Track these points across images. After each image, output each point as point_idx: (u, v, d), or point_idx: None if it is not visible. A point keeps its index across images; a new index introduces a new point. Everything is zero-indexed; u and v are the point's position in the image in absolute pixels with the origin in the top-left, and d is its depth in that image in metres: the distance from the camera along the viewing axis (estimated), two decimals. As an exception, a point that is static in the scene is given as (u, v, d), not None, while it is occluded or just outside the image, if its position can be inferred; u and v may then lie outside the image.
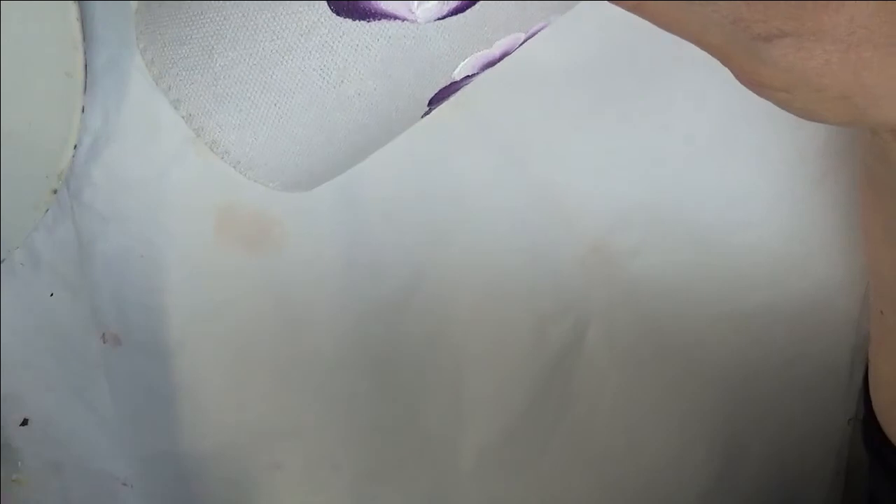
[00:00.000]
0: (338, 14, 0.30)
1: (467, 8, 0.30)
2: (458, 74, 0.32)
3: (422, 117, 0.34)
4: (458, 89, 0.33)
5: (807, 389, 0.45)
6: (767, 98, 0.28)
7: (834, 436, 0.46)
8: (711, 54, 0.27)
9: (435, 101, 0.33)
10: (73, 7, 0.39)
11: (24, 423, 0.45)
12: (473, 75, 0.33)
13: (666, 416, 0.45)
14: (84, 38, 0.39)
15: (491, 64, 0.33)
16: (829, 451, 0.46)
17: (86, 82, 0.39)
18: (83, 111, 0.40)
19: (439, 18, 0.30)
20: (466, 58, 0.32)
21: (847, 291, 0.43)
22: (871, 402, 0.39)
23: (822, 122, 0.28)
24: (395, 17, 0.30)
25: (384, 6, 0.29)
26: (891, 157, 0.31)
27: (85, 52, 0.39)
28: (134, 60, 0.40)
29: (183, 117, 0.32)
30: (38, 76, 0.39)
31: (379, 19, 0.30)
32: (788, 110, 0.28)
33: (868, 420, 0.40)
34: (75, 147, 0.40)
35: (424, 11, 0.29)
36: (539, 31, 0.34)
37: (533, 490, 0.47)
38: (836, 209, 0.42)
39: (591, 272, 0.43)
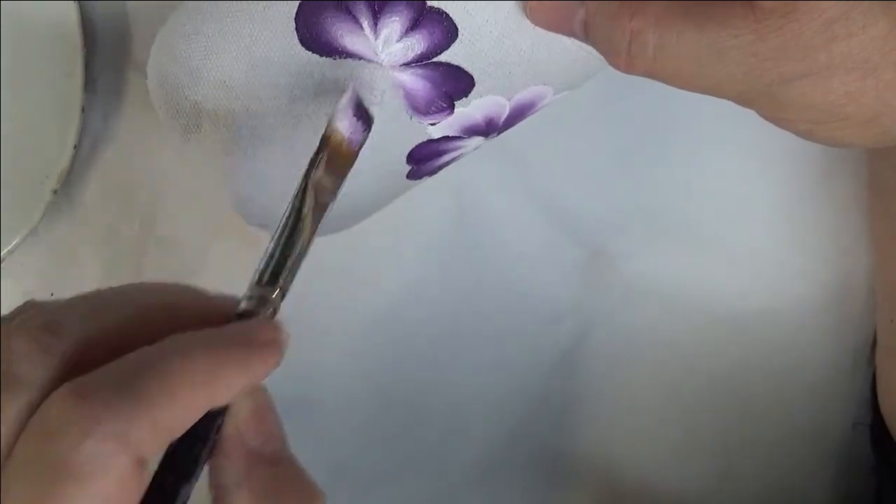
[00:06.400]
0: (306, 47, 0.29)
1: (434, 56, 0.29)
2: (435, 132, 0.31)
3: (408, 178, 0.33)
4: (442, 154, 0.33)
5: (807, 392, 0.45)
6: (790, 130, 0.28)
7: (835, 438, 0.46)
8: (733, 102, 0.27)
9: (416, 162, 0.32)
10: (73, 7, 0.39)
11: (24, 422, 0.45)
12: (457, 138, 0.32)
13: (666, 419, 0.45)
14: (84, 39, 0.39)
15: (477, 130, 0.32)
16: (831, 453, 0.46)
17: (86, 82, 0.39)
18: (83, 111, 0.40)
19: (405, 64, 0.29)
20: None
21: (848, 293, 0.43)
22: (879, 407, 0.39)
23: (847, 146, 0.28)
24: (360, 57, 0.29)
25: (348, 44, 0.29)
26: None
27: (85, 53, 0.39)
28: (133, 61, 0.40)
29: (170, 136, 0.32)
30: (38, 76, 0.39)
31: (344, 57, 0.29)
32: (812, 139, 0.28)
33: (876, 425, 0.40)
34: (75, 147, 0.40)
35: (389, 55, 0.29)
36: (537, 108, 0.33)
37: (534, 493, 0.47)
38: (836, 211, 0.42)
39: (591, 275, 0.43)
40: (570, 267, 0.43)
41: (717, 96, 0.27)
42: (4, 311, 0.43)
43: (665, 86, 0.40)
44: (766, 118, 0.28)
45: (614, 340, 0.44)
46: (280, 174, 0.32)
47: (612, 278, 0.43)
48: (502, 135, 0.36)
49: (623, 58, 0.27)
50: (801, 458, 0.46)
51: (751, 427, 0.45)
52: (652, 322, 0.43)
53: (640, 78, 0.39)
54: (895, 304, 0.38)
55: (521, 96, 0.31)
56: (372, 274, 0.43)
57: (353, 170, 0.31)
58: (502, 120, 0.32)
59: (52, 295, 0.43)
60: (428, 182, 0.35)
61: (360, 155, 0.31)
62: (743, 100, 0.27)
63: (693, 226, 0.42)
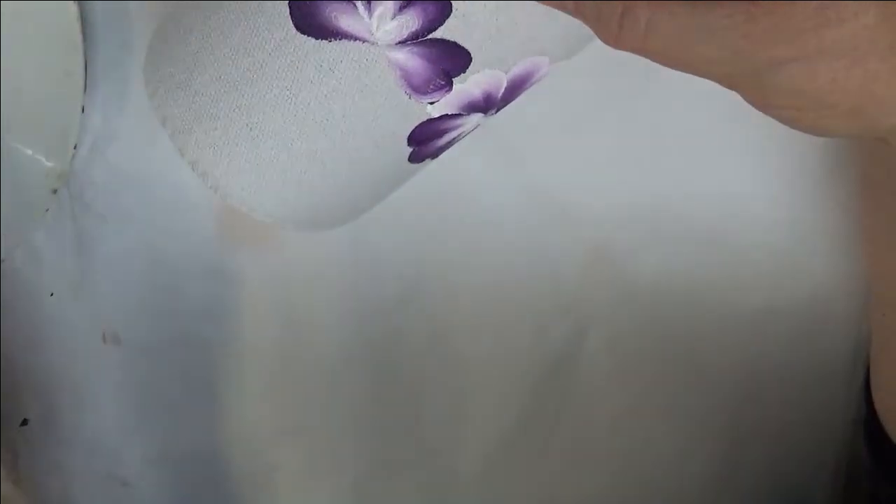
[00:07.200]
0: (301, 31, 0.30)
1: (429, 32, 0.29)
2: (434, 110, 0.32)
3: (410, 161, 0.34)
4: (443, 133, 0.33)
5: (807, 390, 0.45)
6: (776, 117, 0.28)
7: (834, 436, 0.46)
8: (720, 84, 0.27)
9: (417, 143, 0.33)
10: (73, 7, 0.39)
11: (24, 423, 0.45)
12: (457, 116, 0.32)
13: (666, 416, 0.45)
14: (84, 38, 0.39)
15: (476, 107, 0.32)
16: (830, 451, 0.46)
17: (86, 82, 0.39)
18: (83, 111, 0.40)
19: (400, 42, 0.29)
20: None
21: (847, 291, 0.43)
22: (872, 402, 0.39)
23: (832, 135, 0.28)
24: (356, 38, 0.29)
25: (343, 24, 0.29)
26: None
27: (85, 53, 0.39)
28: (134, 61, 0.40)
29: (169, 136, 0.32)
30: (38, 76, 0.39)
31: (340, 39, 0.29)
32: (797, 127, 0.28)
33: (870, 420, 0.40)
34: (75, 147, 0.40)
35: (384, 33, 0.29)
36: (535, 80, 0.33)
37: (533, 491, 0.47)
38: (836, 209, 0.42)
39: (591, 273, 0.43)
40: (569, 264, 0.43)
41: (705, 77, 0.27)
42: (4, 311, 0.43)
43: (666, 85, 0.40)
44: (752, 103, 0.28)
45: (614, 337, 0.44)
46: (280, 167, 0.32)
47: (611, 275, 0.43)
48: (500, 132, 0.36)
49: (613, 33, 0.27)
50: (800, 455, 0.46)
51: (750, 424, 0.45)
52: (652, 320, 0.43)
53: (640, 74, 0.40)
54: (886, 299, 0.38)
55: (518, 69, 0.31)
56: (372, 267, 0.43)
57: (354, 156, 0.31)
58: (500, 94, 0.32)
59: (51, 295, 0.43)
60: (422, 179, 0.35)
61: (360, 140, 0.31)
62: (730, 82, 0.27)
63: (693, 223, 0.42)
